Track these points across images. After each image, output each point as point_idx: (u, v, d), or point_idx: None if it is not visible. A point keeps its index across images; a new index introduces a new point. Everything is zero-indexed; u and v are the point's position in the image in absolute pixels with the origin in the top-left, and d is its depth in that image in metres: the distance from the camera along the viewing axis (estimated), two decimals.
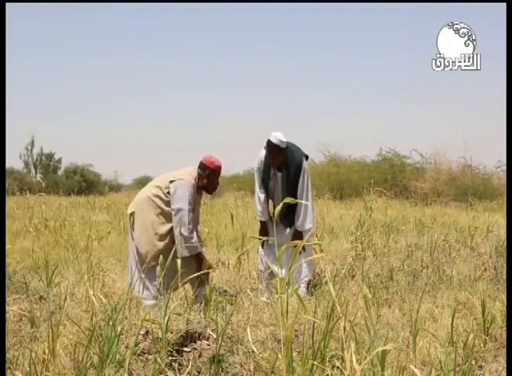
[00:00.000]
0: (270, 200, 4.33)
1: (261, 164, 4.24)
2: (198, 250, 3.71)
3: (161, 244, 3.67)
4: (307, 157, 4.24)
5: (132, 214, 3.82)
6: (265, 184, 4.25)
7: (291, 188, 4.13)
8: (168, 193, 3.70)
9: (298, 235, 4.13)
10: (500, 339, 3.01)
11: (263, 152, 4.19)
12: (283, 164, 4.14)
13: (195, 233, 3.71)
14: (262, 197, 4.27)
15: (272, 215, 4.25)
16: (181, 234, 3.57)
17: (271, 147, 4.06)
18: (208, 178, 3.81)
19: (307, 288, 4.11)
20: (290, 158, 4.12)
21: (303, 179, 4.14)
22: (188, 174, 3.78)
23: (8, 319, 3.04)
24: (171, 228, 3.66)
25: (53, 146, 45.90)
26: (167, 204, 3.70)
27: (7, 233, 6.32)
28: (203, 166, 3.82)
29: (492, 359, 2.80)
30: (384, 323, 3.27)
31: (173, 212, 3.64)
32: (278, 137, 4.03)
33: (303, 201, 4.03)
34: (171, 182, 3.70)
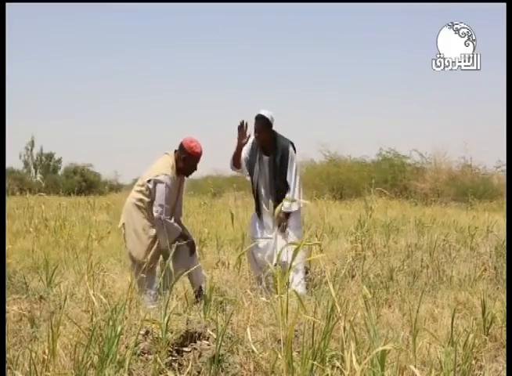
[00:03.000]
0: (255, 188, 4.31)
1: (248, 149, 4.26)
2: (179, 230, 3.73)
3: (155, 245, 3.67)
4: (293, 147, 4.27)
5: (123, 225, 3.81)
6: (250, 168, 4.27)
7: (278, 171, 4.18)
8: (149, 192, 3.67)
9: (283, 216, 4.12)
10: (500, 339, 3.01)
11: (253, 139, 4.23)
12: (270, 147, 4.18)
13: (172, 219, 3.71)
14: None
15: (258, 209, 4.25)
16: (160, 218, 3.59)
17: (259, 120, 4.10)
18: (185, 162, 3.77)
19: (306, 288, 4.11)
20: (278, 144, 4.18)
21: (291, 164, 4.19)
22: (164, 166, 3.72)
23: (8, 319, 3.04)
24: None
25: (53, 146, 45.89)
26: (152, 203, 3.67)
27: (7, 233, 6.31)
28: (182, 148, 3.78)
29: (492, 359, 2.81)
30: (383, 323, 3.27)
31: (154, 208, 3.64)
32: (267, 112, 4.09)
33: (291, 184, 4.11)
34: (149, 181, 3.66)
